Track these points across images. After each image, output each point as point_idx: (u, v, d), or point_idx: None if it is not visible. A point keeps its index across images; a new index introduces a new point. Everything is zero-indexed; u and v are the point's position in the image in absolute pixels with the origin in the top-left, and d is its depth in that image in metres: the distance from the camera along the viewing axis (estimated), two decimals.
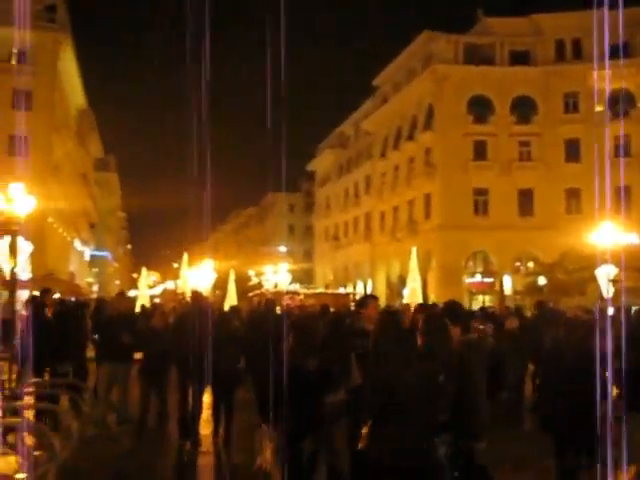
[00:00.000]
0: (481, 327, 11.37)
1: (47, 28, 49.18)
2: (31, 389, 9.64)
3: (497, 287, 44.86)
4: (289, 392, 6.35)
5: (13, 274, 18.69)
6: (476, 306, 37.24)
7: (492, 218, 48.33)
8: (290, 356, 6.81)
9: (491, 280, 48.14)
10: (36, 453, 7.30)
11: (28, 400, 9.16)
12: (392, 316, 6.49)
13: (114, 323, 12.32)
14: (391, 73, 60.09)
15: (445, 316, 6.69)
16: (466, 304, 36.97)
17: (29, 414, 9.52)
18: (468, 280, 49.53)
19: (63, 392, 10.37)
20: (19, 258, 19.56)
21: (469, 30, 54.00)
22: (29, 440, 7.65)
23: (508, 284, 44.61)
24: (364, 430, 5.59)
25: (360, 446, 5.63)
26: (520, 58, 50.56)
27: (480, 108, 49.91)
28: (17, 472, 6.70)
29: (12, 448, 7.24)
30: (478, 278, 49.76)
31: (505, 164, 49.21)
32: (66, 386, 10.70)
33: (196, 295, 14.08)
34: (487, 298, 47.46)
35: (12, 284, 18.36)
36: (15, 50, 46.45)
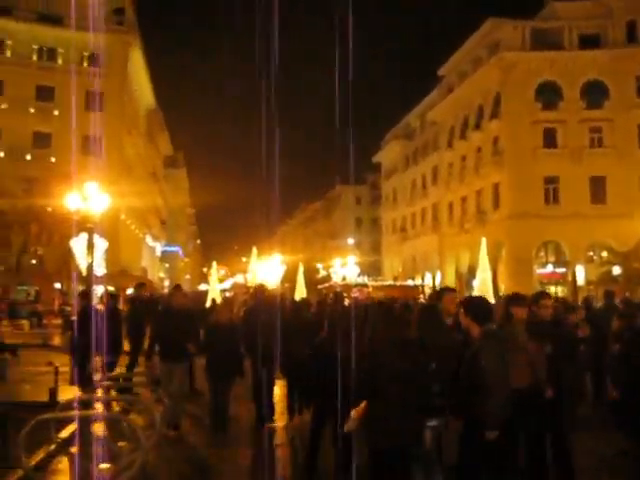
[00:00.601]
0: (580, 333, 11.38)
1: (116, 30, 50.42)
2: (109, 382, 9.95)
3: (569, 277, 43.74)
4: (322, 376, 7.11)
5: (90, 270, 19.31)
6: None
7: (563, 207, 47.22)
8: (324, 345, 7.45)
9: (563, 270, 47.09)
10: (120, 444, 7.53)
11: (107, 392, 9.44)
12: (387, 308, 6.67)
13: (168, 320, 11.20)
14: (456, 62, 59.28)
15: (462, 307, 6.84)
16: None
17: (111, 406, 9.85)
18: (539, 271, 48.59)
19: (145, 385, 10.64)
20: (95, 254, 20.16)
21: (536, 15, 52.86)
22: (112, 431, 7.92)
23: (581, 274, 43.48)
24: (352, 413, 6.04)
25: (346, 428, 6.16)
26: (590, 42, 49.10)
27: (549, 94, 48.79)
28: (101, 462, 6.90)
29: (96, 439, 7.48)
30: (550, 268, 48.79)
31: (576, 151, 47.97)
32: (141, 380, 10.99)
33: (260, 288, 14.24)
34: (559, 289, 46.45)
35: (89, 280, 19.00)
36: (86, 53, 47.87)
